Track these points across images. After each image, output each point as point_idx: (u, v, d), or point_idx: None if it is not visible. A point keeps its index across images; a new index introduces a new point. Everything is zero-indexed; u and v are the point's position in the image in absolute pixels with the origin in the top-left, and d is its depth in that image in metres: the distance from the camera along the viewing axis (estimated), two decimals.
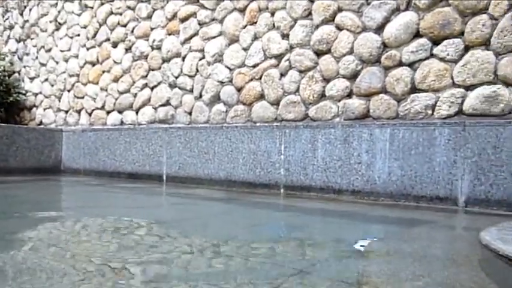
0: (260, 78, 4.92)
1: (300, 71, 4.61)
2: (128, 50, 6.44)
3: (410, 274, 1.72)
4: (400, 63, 3.99)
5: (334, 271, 1.72)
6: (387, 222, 3.06)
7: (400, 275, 1.69)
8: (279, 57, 4.79)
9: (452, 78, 3.74)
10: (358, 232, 2.69)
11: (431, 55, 3.85)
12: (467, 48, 3.68)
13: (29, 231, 2.35)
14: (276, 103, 4.80)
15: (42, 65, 7.94)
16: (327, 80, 4.43)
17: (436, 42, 3.82)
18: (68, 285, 1.42)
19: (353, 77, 4.26)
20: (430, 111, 3.83)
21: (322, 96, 4.46)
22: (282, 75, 4.75)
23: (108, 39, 6.73)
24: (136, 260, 1.74)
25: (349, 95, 4.29)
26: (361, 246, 2.18)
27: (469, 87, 3.65)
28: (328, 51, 4.42)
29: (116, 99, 6.56)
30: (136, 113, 6.28)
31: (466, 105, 3.66)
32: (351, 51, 4.28)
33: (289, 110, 4.68)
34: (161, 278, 1.54)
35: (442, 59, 3.79)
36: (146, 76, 6.18)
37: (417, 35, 3.92)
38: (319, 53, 4.49)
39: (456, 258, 2.04)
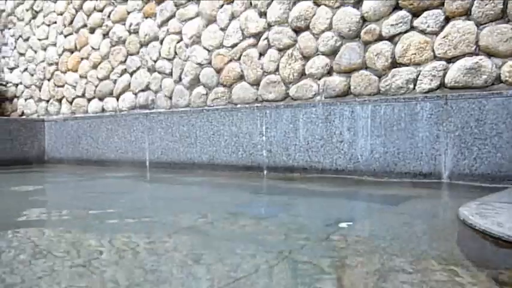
0: (239, 58, 4.80)
1: (279, 50, 4.49)
2: (105, 35, 6.28)
3: (385, 249, 1.64)
4: (380, 38, 3.88)
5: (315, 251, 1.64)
6: (371, 201, 2.98)
7: (378, 251, 1.61)
8: (257, 36, 4.66)
9: (433, 50, 3.63)
10: (342, 212, 2.60)
11: (412, 28, 3.74)
12: (447, 19, 3.57)
13: None
14: (256, 83, 4.68)
15: (21, 54, 7.76)
16: (306, 58, 4.32)
17: (416, 14, 3.71)
18: None
19: (333, 53, 4.14)
20: (411, 86, 3.74)
21: (302, 74, 4.35)
22: (261, 54, 4.63)
23: (85, 25, 6.55)
24: None
25: (330, 72, 4.18)
26: (346, 224, 2.11)
27: (451, 60, 3.55)
28: (307, 28, 4.30)
29: (96, 86, 6.41)
30: (117, 99, 6.15)
31: (448, 78, 3.56)
32: (329, 27, 4.16)
33: (269, 90, 4.57)
34: None
35: (422, 31, 3.68)
36: (125, 61, 6.03)
37: (396, 7, 3.79)
38: (297, 30, 4.37)
39: (433, 234, 1.97)
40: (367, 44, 3.95)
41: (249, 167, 4.61)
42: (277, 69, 4.51)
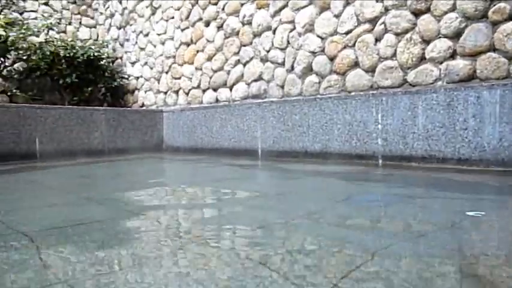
0: (354, 45, 4.71)
1: (397, 34, 4.33)
2: (219, 27, 6.49)
3: None
4: (511, 17, 3.59)
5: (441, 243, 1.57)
6: (503, 193, 2.76)
7: None
8: (373, 21, 4.53)
9: None
10: (469, 202, 2.45)
11: None
12: None
13: None
14: (371, 70, 4.57)
15: (142, 49, 8.28)
16: (426, 42, 4.12)
17: None
18: None
19: (456, 35, 3.91)
20: None
21: (422, 59, 4.16)
22: (377, 40, 4.50)
23: (200, 19, 6.82)
24: None
25: (452, 56, 3.96)
26: (474, 214, 1.98)
27: None
28: (428, 10, 4.10)
29: (211, 77, 6.66)
30: (230, 89, 6.33)
31: None
32: (453, 8, 3.93)
33: (385, 77, 4.43)
34: None
35: None
36: (238, 52, 6.18)
37: None
38: (417, 13, 4.18)
39: None
40: (495, 24, 3.68)
41: (363, 156, 4.51)
42: (394, 55, 4.36)
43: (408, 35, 4.24)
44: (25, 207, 2.38)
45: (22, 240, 1.63)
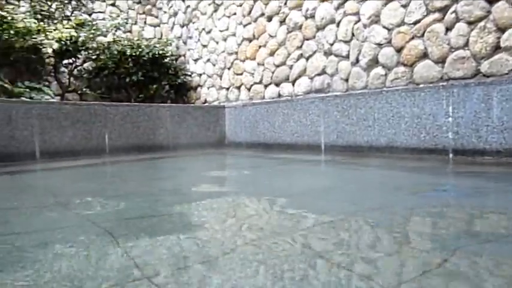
0: (422, 35, 4.55)
1: (469, 23, 4.14)
2: (282, 22, 6.47)
3: None
4: None
5: None
6: None
7: None
8: (443, 10, 4.36)
9: None
10: None
11: None
12: None
13: None
14: (441, 61, 4.39)
15: (204, 46, 8.40)
16: (501, 30, 3.91)
17: None
18: None
19: None
20: None
21: (497, 48, 3.95)
22: (448, 29, 4.32)
23: (262, 14, 6.83)
24: None
25: None
26: None
27: None
28: None
29: (273, 72, 6.65)
30: (293, 84, 6.30)
31: None
32: None
33: (456, 67, 4.25)
34: None
35: None
36: (301, 46, 6.14)
37: None
38: (491, 1, 3.98)
39: None
40: None
41: (432, 150, 4.35)
42: (466, 44, 4.17)
43: (481, 24, 4.04)
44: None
45: None
